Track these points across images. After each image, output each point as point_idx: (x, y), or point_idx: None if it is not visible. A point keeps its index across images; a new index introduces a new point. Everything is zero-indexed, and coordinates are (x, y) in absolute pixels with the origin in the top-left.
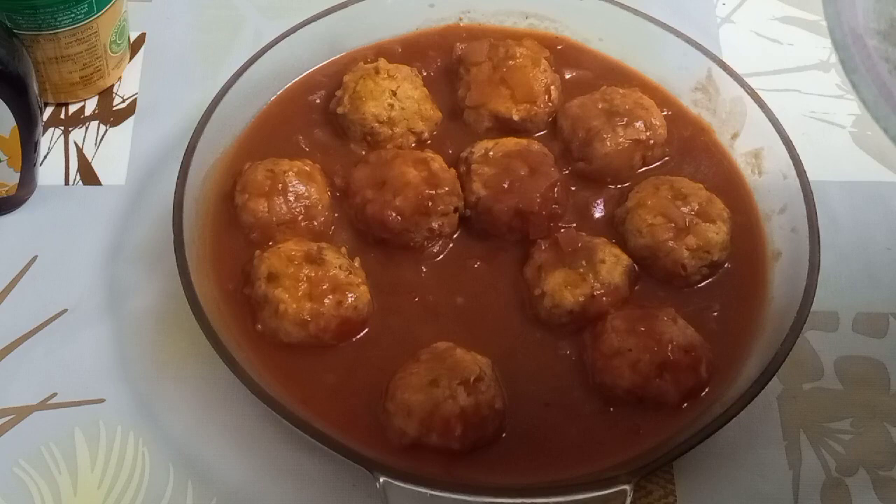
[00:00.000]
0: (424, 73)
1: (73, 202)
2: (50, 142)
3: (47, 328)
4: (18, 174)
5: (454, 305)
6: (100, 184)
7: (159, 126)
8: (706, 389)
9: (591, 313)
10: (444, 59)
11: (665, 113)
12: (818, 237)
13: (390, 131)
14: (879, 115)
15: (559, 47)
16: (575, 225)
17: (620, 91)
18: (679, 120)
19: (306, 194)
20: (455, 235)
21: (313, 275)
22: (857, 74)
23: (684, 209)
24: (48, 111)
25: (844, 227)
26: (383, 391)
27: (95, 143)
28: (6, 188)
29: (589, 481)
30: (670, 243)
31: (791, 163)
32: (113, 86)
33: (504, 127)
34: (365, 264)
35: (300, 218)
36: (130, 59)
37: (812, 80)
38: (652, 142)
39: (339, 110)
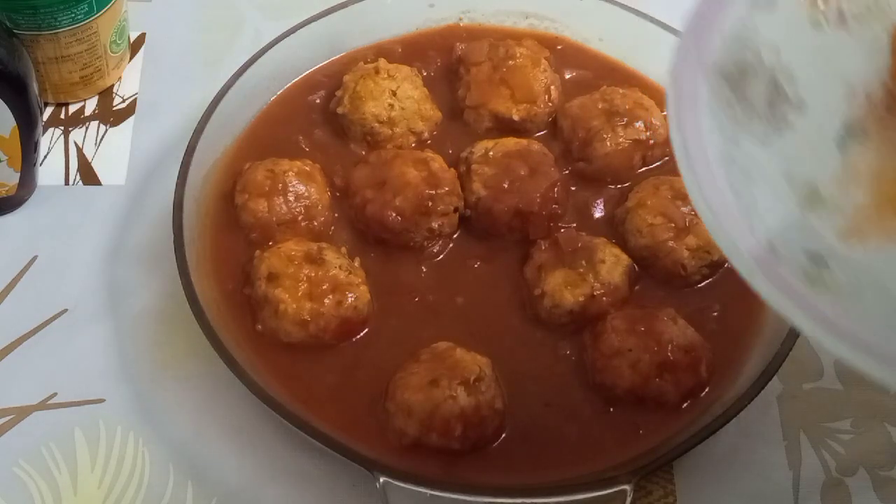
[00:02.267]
0: (424, 73)
1: (73, 202)
2: (50, 142)
3: (47, 328)
4: (18, 174)
5: (454, 305)
6: (100, 184)
7: (159, 126)
8: (706, 389)
9: (591, 313)
10: (444, 59)
11: (665, 113)
12: None
13: (390, 131)
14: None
15: (559, 47)
16: (575, 225)
17: (620, 91)
18: None
19: (306, 194)
20: (455, 235)
21: (313, 275)
22: (679, 105)
23: (684, 209)
24: (48, 111)
25: None
26: (383, 391)
27: (95, 143)
28: (6, 188)
29: (589, 481)
30: (670, 243)
31: None
32: (113, 86)
33: (504, 127)
34: (365, 264)
35: (300, 218)
36: (130, 59)
37: None
38: (652, 142)
39: (339, 110)
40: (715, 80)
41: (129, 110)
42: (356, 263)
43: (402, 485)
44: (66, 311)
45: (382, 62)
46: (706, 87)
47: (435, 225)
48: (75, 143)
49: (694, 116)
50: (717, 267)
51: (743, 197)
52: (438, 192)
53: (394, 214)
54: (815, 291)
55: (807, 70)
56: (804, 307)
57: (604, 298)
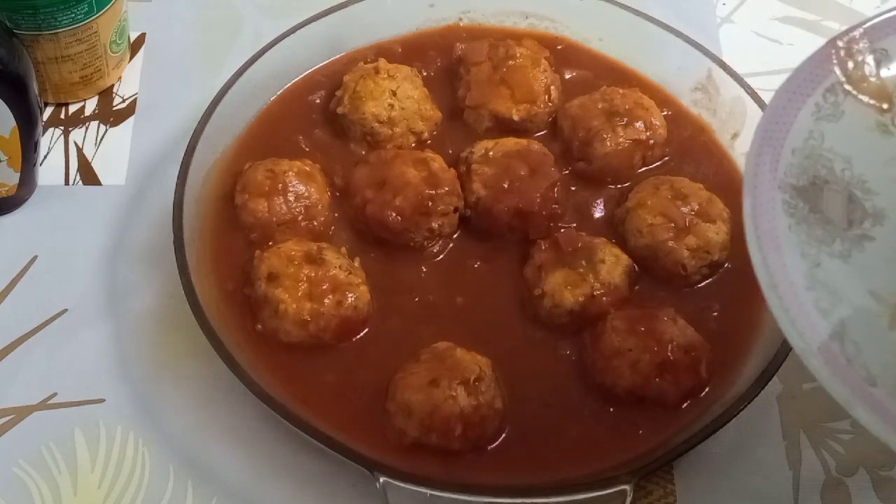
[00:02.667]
0: (424, 73)
1: (73, 202)
2: (50, 142)
3: (47, 328)
4: (18, 174)
5: (454, 305)
6: (100, 184)
7: (159, 126)
8: (706, 389)
9: (591, 313)
10: (444, 59)
11: (665, 113)
12: None
13: (390, 131)
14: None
15: (559, 47)
16: (575, 225)
17: (620, 91)
18: (679, 120)
19: (306, 194)
20: (455, 235)
21: (313, 275)
22: (757, 219)
23: (684, 209)
24: (48, 111)
25: None
26: (383, 391)
27: (95, 143)
28: (6, 188)
29: (589, 481)
30: (670, 243)
31: None
32: (113, 86)
33: (504, 127)
34: (365, 264)
35: (300, 218)
36: (130, 59)
37: None
38: (652, 142)
39: (339, 110)
40: (791, 198)
41: (129, 110)
42: (356, 263)
43: (402, 485)
44: (66, 311)
45: (382, 62)
46: (783, 208)
47: (435, 225)
48: (75, 143)
49: (775, 243)
50: (717, 267)
51: (831, 318)
52: (438, 192)
53: (394, 214)
54: None
55: (881, 179)
56: None
57: (604, 298)
